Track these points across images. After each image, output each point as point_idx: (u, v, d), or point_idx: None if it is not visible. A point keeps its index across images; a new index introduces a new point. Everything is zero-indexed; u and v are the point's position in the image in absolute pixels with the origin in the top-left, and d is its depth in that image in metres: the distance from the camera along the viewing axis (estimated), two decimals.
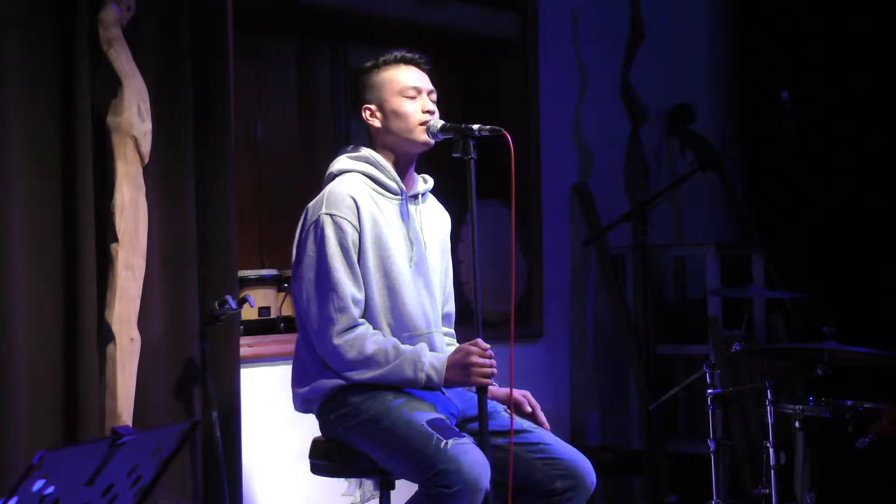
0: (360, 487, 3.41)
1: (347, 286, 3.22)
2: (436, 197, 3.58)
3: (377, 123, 3.36)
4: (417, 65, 3.41)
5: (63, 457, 2.39)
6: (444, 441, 3.05)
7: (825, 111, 5.83)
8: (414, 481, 3.13)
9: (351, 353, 3.20)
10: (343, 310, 3.21)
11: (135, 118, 3.45)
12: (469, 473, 3.00)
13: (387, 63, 3.39)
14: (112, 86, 3.44)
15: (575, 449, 3.31)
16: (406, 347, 3.23)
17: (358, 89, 3.40)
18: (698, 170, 5.33)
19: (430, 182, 3.51)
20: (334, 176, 3.36)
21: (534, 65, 5.27)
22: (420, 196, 3.45)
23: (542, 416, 3.35)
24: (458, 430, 3.15)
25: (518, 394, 3.33)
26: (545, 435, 3.31)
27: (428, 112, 3.35)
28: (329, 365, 3.25)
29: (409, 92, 3.35)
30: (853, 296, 5.67)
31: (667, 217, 5.88)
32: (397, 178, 3.36)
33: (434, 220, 3.51)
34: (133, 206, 3.45)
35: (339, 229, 3.23)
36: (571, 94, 5.53)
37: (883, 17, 5.80)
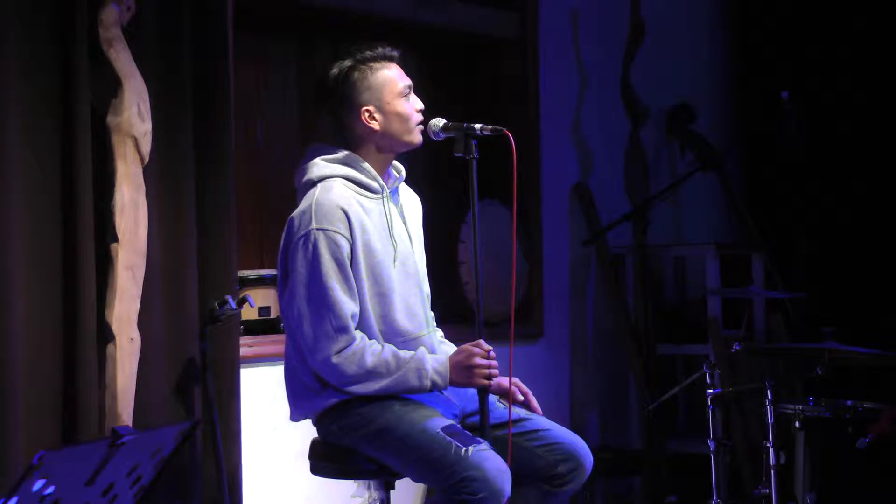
0: (369, 489, 3.41)
1: (346, 305, 3.18)
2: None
3: (376, 126, 3.30)
4: (397, 60, 3.36)
5: (63, 457, 2.39)
6: (465, 448, 3.06)
7: (825, 111, 5.83)
8: (436, 488, 3.14)
9: (351, 369, 3.17)
10: (343, 329, 3.17)
11: (135, 118, 3.44)
12: (494, 481, 3.03)
13: (375, 61, 3.31)
14: (112, 86, 3.44)
15: (570, 431, 3.34)
16: (406, 354, 3.21)
17: (349, 91, 3.30)
18: (698, 170, 5.34)
19: (403, 171, 3.45)
20: (314, 182, 3.28)
21: (534, 65, 5.26)
22: (397, 188, 3.42)
23: (534, 401, 3.37)
24: (472, 434, 3.15)
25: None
26: (541, 421, 3.33)
27: (420, 110, 3.34)
28: (327, 380, 3.22)
29: (405, 92, 3.33)
30: (853, 296, 5.67)
31: (667, 217, 5.88)
32: (378, 178, 3.31)
33: (412, 208, 3.48)
34: (133, 206, 3.45)
35: (332, 244, 3.17)
36: (571, 94, 5.53)
37: (883, 16, 5.80)
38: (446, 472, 3.06)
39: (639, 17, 5.50)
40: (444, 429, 3.12)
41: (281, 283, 3.28)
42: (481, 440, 3.12)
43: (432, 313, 3.51)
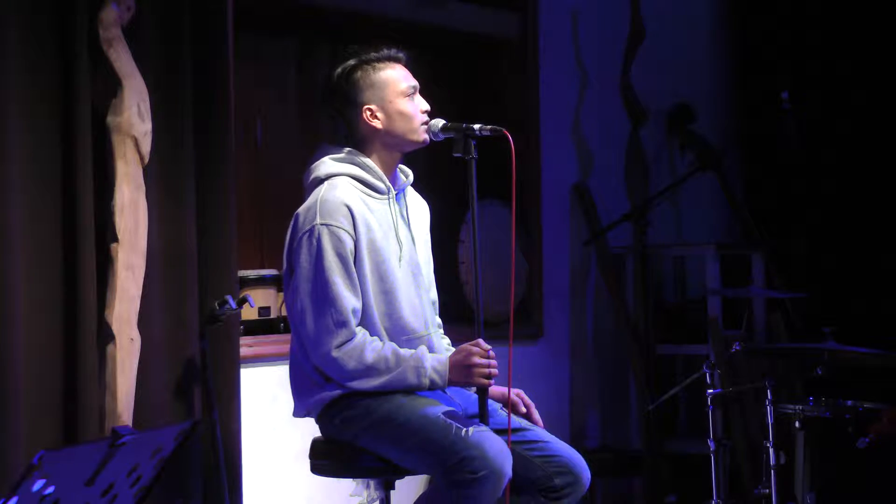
0: (367, 488, 3.41)
1: (348, 299, 3.19)
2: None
3: (378, 125, 3.31)
4: (404, 62, 3.38)
5: (63, 457, 2.39)
6: (465, 429, 3.07)
7: (825, 111, 5.83)
8: (435, 473, 3.13)
9: (351, 364, 3.18)
10: (343, 324, 3.18)
11: (135, 118, 3.45)
12: (494, 459, 3.03)
13: (380, 61, 3.34)
14: (112, 86, 3.44)
15: (569, 446, 3.33)
16: (406, 352, 3.22)
17: (351, 90, 3.32)
18: (698, 170, 5.34)
19: (411, 175, 3.47)
20: (321, 180, 3.30)
21: (534, 65, 5.26)
22: (403, 191, 3.44)
23: (536, 414, 3.37)
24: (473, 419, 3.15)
25: (512, 393, 3.33)
26: (541, 433, 3.32)
27: (425, 112, 3.35)
28: (328, 375, 3.24)
29: (409, 92, 3.34)
30: (853, 296, 5.67)
31: (667, 217, 5.88)
32: (384, 178, 3.32)
33: (418, 213, 3.49)
34: (133, 206, 3.45)
35: (336, 239, 3.19)
36: (571, 94, 5.53)
37: (883, 17, 5.80)
38: (446, 452, 3.06)
39: (639, 17, 5.51)
40: (445, 413, 3.14)
41: (286, 279, 3.30)
42: (481, 423, 3.12)
43: (440, 320, 3.52)
